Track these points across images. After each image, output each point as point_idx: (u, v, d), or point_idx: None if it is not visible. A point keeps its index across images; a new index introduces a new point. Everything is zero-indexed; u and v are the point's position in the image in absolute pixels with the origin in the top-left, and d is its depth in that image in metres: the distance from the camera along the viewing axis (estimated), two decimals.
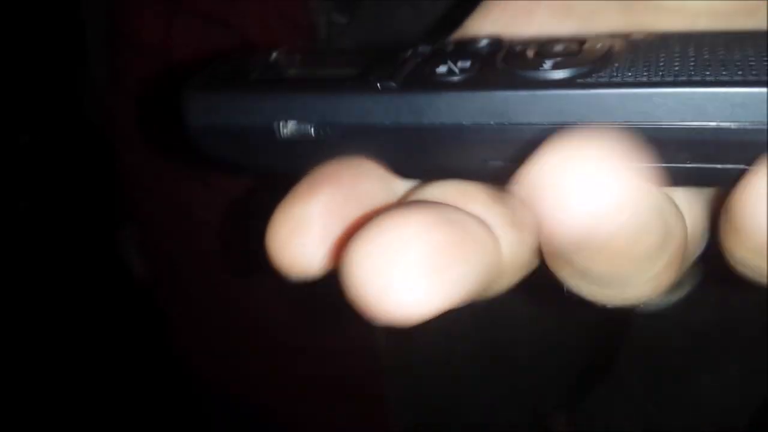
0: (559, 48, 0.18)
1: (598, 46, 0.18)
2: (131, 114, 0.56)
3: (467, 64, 0.18)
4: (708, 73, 0.16)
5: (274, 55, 0.21)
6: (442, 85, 0.17)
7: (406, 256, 0.14)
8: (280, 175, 0.19)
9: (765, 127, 0.15)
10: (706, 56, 0.17)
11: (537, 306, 0.54)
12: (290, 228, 0.17)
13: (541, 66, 0.17)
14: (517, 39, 0.20)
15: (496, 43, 0.20)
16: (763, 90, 0.15)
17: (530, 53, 0.18)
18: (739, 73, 0.16)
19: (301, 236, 0.17)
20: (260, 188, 0.46)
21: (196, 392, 0.73)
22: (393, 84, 0.17)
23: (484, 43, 0.19)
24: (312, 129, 0.18)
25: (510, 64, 0.18)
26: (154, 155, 0.56)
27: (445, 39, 0.21)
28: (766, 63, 0.16)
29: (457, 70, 0.17)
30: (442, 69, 0.18)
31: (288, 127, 0.18)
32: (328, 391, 0.61)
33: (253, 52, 0.21)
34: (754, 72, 0.16)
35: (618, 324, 0.59)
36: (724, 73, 0.16)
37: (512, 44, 0.19)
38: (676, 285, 0.20)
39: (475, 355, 0.56)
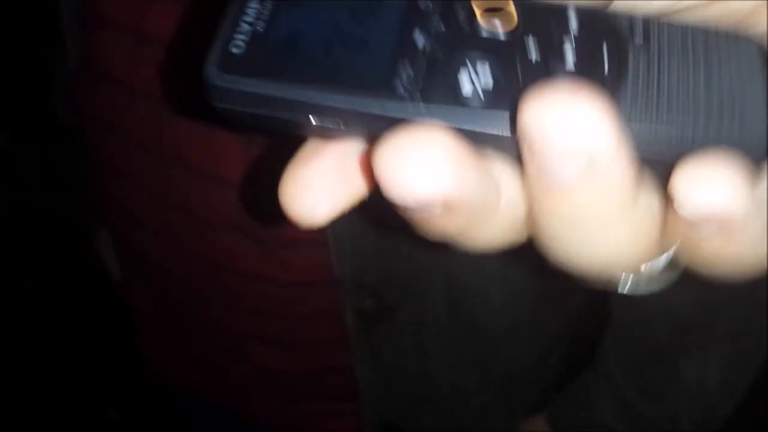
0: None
1: None
2: (102, 113, 0.56)
3: (489, 84, 0.19)
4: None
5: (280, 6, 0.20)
6: (466, 101, 0.19)
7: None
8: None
9: None
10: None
11: (517, 292, 0.54)
12: (296, 186, 0.20)
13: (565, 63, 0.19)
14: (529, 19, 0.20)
15: (512, 33, 0.20)
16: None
17: (560, 46, 0.19)
18: None
19: (306, 193, 0.20)
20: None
21: (165, 392, 0.72)
22: (422, 105, 0.19)
23: (498, 33, 0.20)
24: (342, 124, 0.20)
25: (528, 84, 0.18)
26: (124, 155, 0.56)
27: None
28: None
29: (481, 95, 0.19)
30: (467, 91, 0.19)
31: (319, 119, 0.19)
32: (299, 390, 0.62)
33: None
34: None
35: (599, 310, 0.59)
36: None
37: (526, 38, 0.20)
38: (660, 272, 0.21)
39: (450, 344, 0.57)
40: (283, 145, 0.22)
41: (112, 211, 0.62)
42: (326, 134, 0.20)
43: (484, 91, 0.19)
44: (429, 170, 0.17)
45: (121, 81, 0.53)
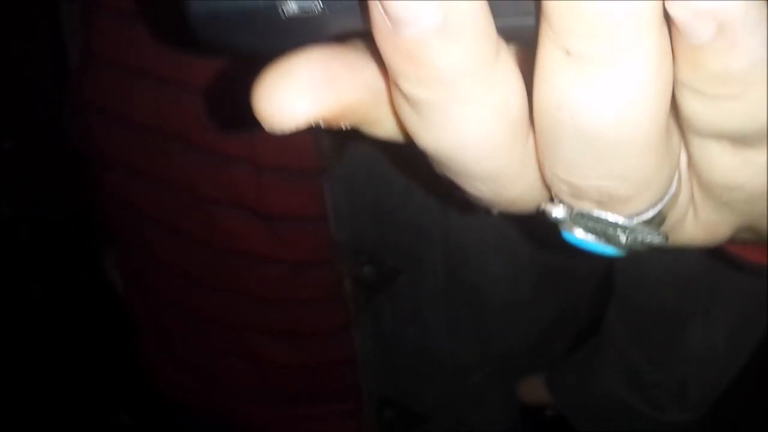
0: None
1: None
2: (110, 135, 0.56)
3: None
4: None
5: None
6: None
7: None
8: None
9: None
10: None
11: (519, 265, 0.54)
12: (277, 78, 0.18)
13: None
14: None
15: None
16: None
17: None
18: None
19: (287, 84, 0.18)
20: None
21: (169, 409, 0.72)
22: None
23: None
24: (316, 4, 0.19)
25: None
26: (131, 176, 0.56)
27: None
28: None
29: None
30: None
31: (292, 5, 0.19)
32: (301, 389, 0.61)
33: None
34: None
35: (604, 276, 0.59)
36: None
37: None
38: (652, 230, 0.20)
39: (449, 314, 0.56)
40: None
41: (113, 209, 0.62)
42: (306, 29, 0.19)
43: None
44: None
45: (119, 63, 0.53)
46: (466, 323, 0.57)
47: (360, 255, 0.52)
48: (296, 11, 0.19)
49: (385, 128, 0.21)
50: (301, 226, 0.52)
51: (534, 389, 0.66)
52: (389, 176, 0.49)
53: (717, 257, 0.48)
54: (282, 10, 0.19)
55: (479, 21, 0.16)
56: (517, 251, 0.53)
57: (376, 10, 0.16)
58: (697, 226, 0.22)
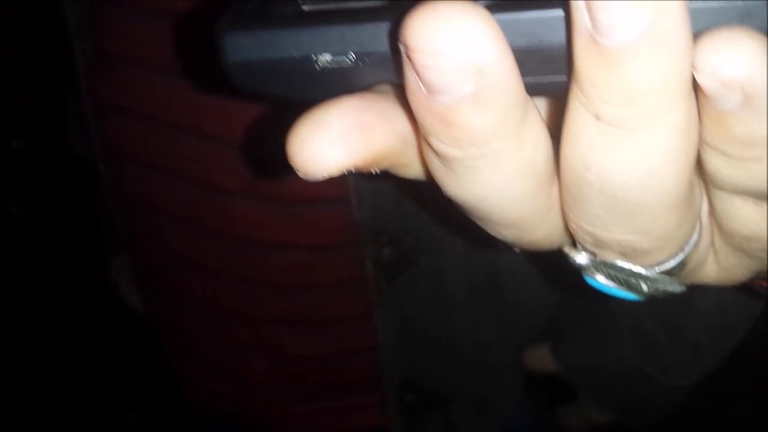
0: None
1: None
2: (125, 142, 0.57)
3: None
4: None
5: None
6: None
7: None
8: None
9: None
10: None
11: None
12: (311, 127, 0.18)
13: None
14: None
15: None
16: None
17: None
18: None
19: (320, 134, 0.18)
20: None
21: (178, 407, 0.72)
22: None
23: None
24: (349, 58, 0.19)
25: None
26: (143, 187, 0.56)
27: None
28: None
29: None
30: None
31: (326, 57, 0.19)
32: (321, 381, 0.61)
33: None
34: None
35: None
36: None
37: None
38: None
39: (469, 295, 0.56)
40: (294, 107, 0.21)
41: (129, 207, 0.62)
42: (338, 79, 0.20)
43: None
44: (472, 32, 0.15)
45: (131, 58, 0.53)
46: (485, 301, 0.57)
47: (381, 236, 0.52)
48: (330, 63, 0.19)
49: (413, 171, 0.21)
50: (319, 209, 0.51)
51: (540, 358, 0.66)
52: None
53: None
54: (316, 61, 0.19)
55: (510, 88, 0.16)
56: None
57: (410, 75, 0.16)
58: (717, 268, 0.23)
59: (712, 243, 0.22)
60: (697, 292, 0.55)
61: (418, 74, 0.16)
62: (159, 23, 0.49)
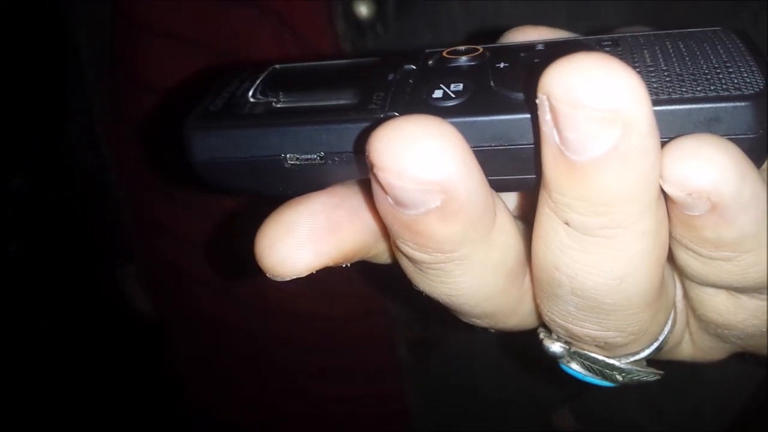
0: (538, 63, 0.18)
1: None
2: (132, 156, 0.56)
3: (459, 87, 0.18)
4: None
5: (262, 77, 0.21)
6: (442, 111, 0.18)
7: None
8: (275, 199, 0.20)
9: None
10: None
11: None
12: (279, 230, 0.18)
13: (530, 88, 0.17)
14: (497, 48, 0.20)
15: (479, 57, 0.20)
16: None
17: (514, 72, 0.19)
18: None
19: (289, 236, 0.18)
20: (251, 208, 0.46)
21: (194, 418, 0.72)
22: (396, 114, 0.18)
23: (464, 60, 0.20)
24: (318, 157, 0.19)
25: (501, 85, 0.18)
26: (155, 194, 0.55)
27: (423, 54, 0.21)
28: None
29: (452, 95, 0.18)
30: (437, 94, 0.18)
31: (295, 158, 0.19)
32: (341, 412, 0.60)
33: (237, 74, 0.22)
34: None
35: None
36: None
37: (495, 57, 0.20)
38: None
39: (497, 369, 0.56)
40: (259, 204, 0.21)
41: (150, 255, 0.62)
42: (307, 176, 0.19)
43: (454, 91, 0.18)
44: (435, 153, 0.15)
45: (152, 84, 0.52)
46: (510, 371, 0.57)
47: (412, 320, 0.51)
48: (298, 161, 0.19)
49: (384, 259, 0.21)
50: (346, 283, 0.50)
51: (562, 417, 0.66)
52: None
53: None
54: (285, 160, 0.19)
55: (477, 199, 0.16)
56: None
57: (377, 187, 0.16)
58: (693, 348, 0.23)
59: (687, 324, 0.22)
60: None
61: (383, 188, 0.16)
62: (187, 53, 0.48)
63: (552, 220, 0.17)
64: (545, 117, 0.15)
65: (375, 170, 0.16)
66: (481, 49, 0.20)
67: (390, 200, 0.16)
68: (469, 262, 0.18)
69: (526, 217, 0.20)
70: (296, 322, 0.53)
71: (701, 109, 0.17)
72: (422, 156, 0.15)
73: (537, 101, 0.15)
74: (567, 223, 0.16)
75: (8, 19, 1.00)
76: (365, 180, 0.20)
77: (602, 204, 0.15)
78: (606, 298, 0.17)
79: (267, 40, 0.44)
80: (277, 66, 0.22)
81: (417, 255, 0.17)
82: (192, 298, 0.59)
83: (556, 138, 0.15)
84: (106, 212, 0.67)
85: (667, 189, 0.16)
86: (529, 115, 0.17)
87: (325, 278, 0.49)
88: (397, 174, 0.15)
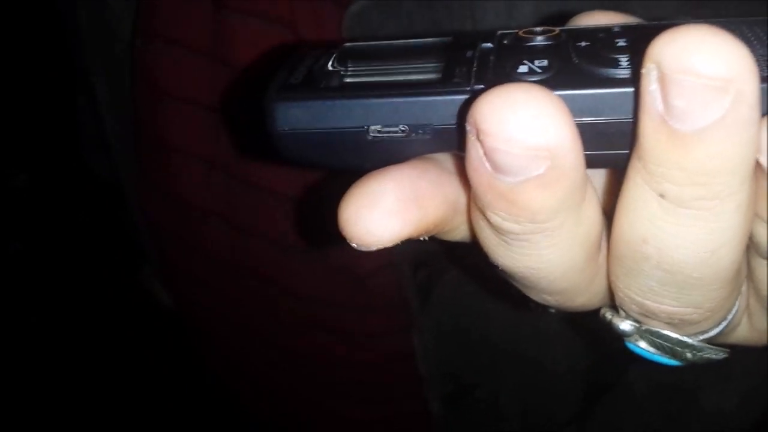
0: (621, 42, 0.19)
1: None
2: (153, 160, 0.56)
3: (544, 63, 0.19)
4: None
5: (336, 53, 0.22)
6: (521, 77, 0.18)
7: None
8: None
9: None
10: None
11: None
12: (365, 199, 0.18)
13: (618, 64, 0.18)
14: (573, 30, 0.21)
15: (556, 37, 0.20)
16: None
17: (600, 49, 0.19)
18: None
19: (376, 206, 0.18)
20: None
21: (228, 413, 0.71)
22: (483, 86, 0.18)
23: (541, 39, 0.20)
24: (400, 130, 0.19)
25: (587, 61, 0.19)
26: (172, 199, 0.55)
27: (497, 35, 0.21)
28: None
29: (538, 70, 0.19)
30: (522, 68, 0.19)
31: (377, 130, 0.19)
32: (363, 402, 0.60)
33: (315, 48, 0.22)
34: None
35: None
36: None
37: (573, 37, 0.20)
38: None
39: (524, 410, 0.57)
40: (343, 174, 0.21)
41: (174, 255, 0.61)
42: (389, 149, 0.20)
43: (540, 66, 0.19)
44: (545, 118, 0.15)
45: (174, 95, 0.52)
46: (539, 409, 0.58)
47: (445, 377, 0.52)
48: (381, 134, 0.19)
49: (459, 235, 0.21)
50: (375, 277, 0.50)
51: None
52: (475, 304, 0.49)
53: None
54: (367, 132, 0.19)
55: (578, 170, 0.17)
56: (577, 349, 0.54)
57: (474, 153, 0.16)
58: (749, 329, 0.23)
59: (747, 306, 0.22)
60: (701, 392, 0.56)
61: (485, 154, 0.16)
62: (202, 64, 0.48)
63: (644, 192, 0.17)
64: (649, 87, 0.15)
65: (481, 136, 0.16)
66: (558, 30, 0.21)
67: (489, 167, 0.16)
68: (558, 234, 0.18)
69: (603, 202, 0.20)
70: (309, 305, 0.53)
71: None
72: (532, 121, 0.15)
73: (643, 71, 0.15)
74: (662, 195, 0.16)
75: (10, 18, 1.00)
76: (441, 154, 0.20)
77: (702, 174, 0.15)
78: (694, 271, 0.18)
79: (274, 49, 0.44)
80: (348, 44, 0.23)
81: (506, 225, 0.18)
82: (218, 312, 0.59)
83: (659, 107, 0.15)
84: (119, 215, 0.67)
85: (762, 160, 0.16)
86: (620, 90, 0.18)
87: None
88: (506, 139, 0.15)
